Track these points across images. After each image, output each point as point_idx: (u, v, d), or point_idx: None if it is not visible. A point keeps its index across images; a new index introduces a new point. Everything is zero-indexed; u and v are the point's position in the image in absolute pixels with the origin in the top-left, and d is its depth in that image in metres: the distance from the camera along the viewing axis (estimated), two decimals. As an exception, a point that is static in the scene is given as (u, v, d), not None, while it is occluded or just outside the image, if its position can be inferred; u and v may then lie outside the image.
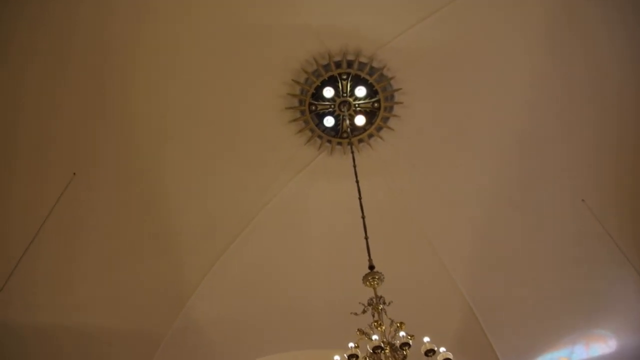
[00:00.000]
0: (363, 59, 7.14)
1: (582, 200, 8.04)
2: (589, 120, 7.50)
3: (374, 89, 7.40)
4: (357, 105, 7.56)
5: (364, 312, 5.37)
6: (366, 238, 6.07)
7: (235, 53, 7.03)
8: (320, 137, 7.93)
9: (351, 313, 5.40)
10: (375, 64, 7.17)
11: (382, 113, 7.64)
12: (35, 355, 7.99)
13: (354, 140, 7.80)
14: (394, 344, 4.81)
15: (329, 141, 7.98)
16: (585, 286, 8.52)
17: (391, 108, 7.63)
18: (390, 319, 5.13)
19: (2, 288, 6.83)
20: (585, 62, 7.00)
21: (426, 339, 4.85)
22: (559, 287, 8.66)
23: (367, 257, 5.84)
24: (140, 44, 6.77)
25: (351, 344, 5.05)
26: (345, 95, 7.45)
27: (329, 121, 7.72)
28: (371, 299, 5.40)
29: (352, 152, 7.17)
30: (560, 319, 8.82)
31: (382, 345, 4.73)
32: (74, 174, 7.49)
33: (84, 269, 8.09)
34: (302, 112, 7.65)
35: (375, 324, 5.08)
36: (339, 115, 7.65)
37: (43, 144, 7.28)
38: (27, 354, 7.99)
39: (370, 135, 7.91)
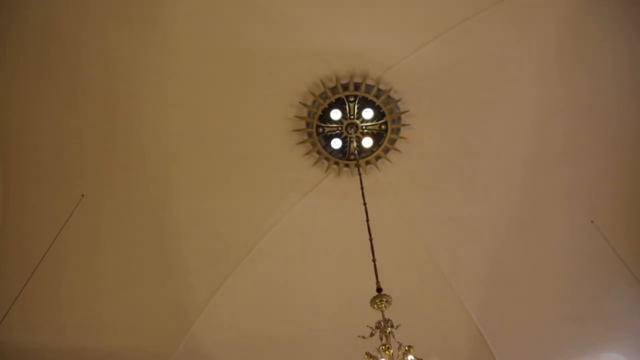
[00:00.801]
0: (370, 82, 7.18)
1: (591, 221, 8.00)
2: (597, 141, 7.50)
3: (381, 111, 7.44)
4: (364, 127, 7.58)
5: (371, 335, 5.31)
6: (374, 260, 6.03)
7: (243, 76, 7.09)
8: (327, 159, 7.95)
9: (359, 336, 5.34)
10: (382, 87, 7.21)
11: (389, 135, 7.66)
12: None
13: (361, 162, 7.81)
14: (402, 368, 4.76)
15: (336, 163, 8.00)
16: (595, 308, 8.43)
17: (398, 130, 7.65)
18: (398, 342, 5.06)
19: (9, 310, 6.83)
20: (594, 84, 7.01)
21: (435, 363, 4.81)
22: (569, 309, 8.57)
23: (375, 280, 5.80)
24: (148, 67, 6.85)
25: (359, 368, 5.02)
26: (352, 117, 7.48)
27: (336, 143, 7.75)
28: (379, 322, 5.33)
29: (360, 174, 7.15)
30: (569, 341, 8.72)
31: (391, 369, 4.69)
32: (82, 195, 7.53)
33: (89, 290, 8.10)
34: (310, 135, 7.68)
35: (383, 347, 5.02)
36: (346, 137, 7.68)
37: (52, 165, 7.35)
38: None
39: (378, 157, 7.92)
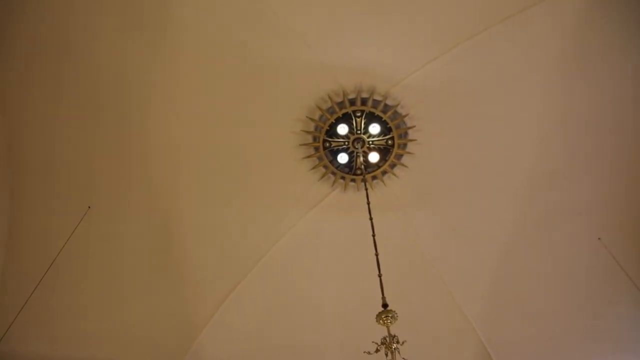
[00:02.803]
0: (377, 97, 7.21)
1: (599, 238, 7.96)
2: (605, 157, 7.47)
3: (388, 126, 7.45)
4: (371, 142, 7.60)
5: (377, 351, 5.28)
6: (380, 275, 6.01)
7: (250, 90, 7.12)
8: (333, 173, 7.96)
9: (364, 352, 5.32)
10: (389, 102, 7.23)
11: (395, 150, 7.67)
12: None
13: (368, 177, 7.82)
14: (407, 385, 4.74)
15: (343, 178, 8.01)
16: (602, 325, 8.36)
17: (405, 145, 7.66)
18: (404, 358, 5.05)
19: (15, 319, 6.85)
20: (601, 98, 6.99)
21: (440, 380, 4.78)
22: (575, 327, 8.50)
23: (381, 295, 5.78)
24: (156, 78, 6.91)
25: (364, 384, 5.00)
26: (359, 132, 7.50)
27: (342, 158, 7.76)
28: (384, 338, 5.30)
29: (366, 189, 7.15)
30: (575, 357, 8.64)
31: (396, 385, 4.67)
32: (89, 207, 7.56)
33: (95, 301, 8.09)
34: (316, 149, 7.70)
35: (389, 363, 5.01)
36: (352, 152, 7.69)
37: (59, 176, 7.39)
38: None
39: (384, 172, 7.93)
